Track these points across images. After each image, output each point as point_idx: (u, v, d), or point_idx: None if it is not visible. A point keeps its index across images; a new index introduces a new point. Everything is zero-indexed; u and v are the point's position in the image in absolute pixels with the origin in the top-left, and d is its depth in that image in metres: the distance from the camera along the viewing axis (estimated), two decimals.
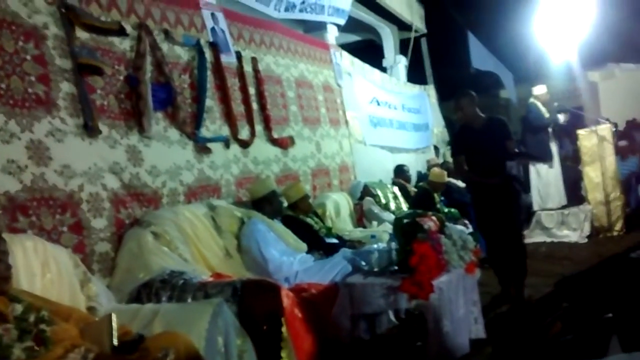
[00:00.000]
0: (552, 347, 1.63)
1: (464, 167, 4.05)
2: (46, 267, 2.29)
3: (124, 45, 3.32)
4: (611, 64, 11.67)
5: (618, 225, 6.23)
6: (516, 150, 4.21)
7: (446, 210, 5.47)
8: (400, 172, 6.44)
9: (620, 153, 7.05)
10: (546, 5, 7.77)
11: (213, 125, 3.98)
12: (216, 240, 3.35)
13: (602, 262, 1.97)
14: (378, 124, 6.78)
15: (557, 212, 6.46)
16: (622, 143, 7.39)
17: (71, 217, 2.76)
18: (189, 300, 2.55)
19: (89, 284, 2.46)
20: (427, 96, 8.95)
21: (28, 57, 2.71)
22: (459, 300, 3.24)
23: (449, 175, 6.37)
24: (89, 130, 2.95)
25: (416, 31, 8.79)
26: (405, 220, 3.23)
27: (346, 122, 5.99)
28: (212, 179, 3.86)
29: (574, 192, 6.73)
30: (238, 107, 4.28)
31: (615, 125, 8.44)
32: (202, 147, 3.81)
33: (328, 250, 3.77)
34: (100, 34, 3.15)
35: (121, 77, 3.27)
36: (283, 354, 2.61)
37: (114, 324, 1.92)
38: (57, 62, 2.87)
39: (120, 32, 3.26)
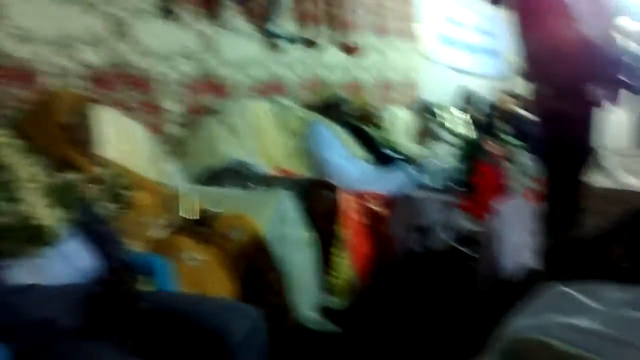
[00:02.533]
0: (610, 271, 1.61)
1: (540, 91, 3.79)
2: (122, 138, 2.36)
3: None
4: None
5: None
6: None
7: (512, 141, 5.33)
8: (467, 96, 6.25)
9: None
10: None
11: (284, 23, 3.90)
12: (280, 137, 3.38)
13: None
14: (450, 43, 6.53)
15: (624, 157, 6.22)
16: None
17: (145, 96, 2.81)
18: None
19: (161, 161, 2.54)
20: (503, 20, 8.49)
21: None
22: (515, 226, 3.22)
23: (520, 106, 6.16)
24: (167, 12, 2.94)
25: None
26: (472, 141, 3.18)
27: (416, 36, 5.79)
28: (279, 77, 3.84)
29: None
30: (309, 6, 4.16)
31: None
32: (271, 43, 3.76)
33: (387, 162, 3.76)
34: None
35: None
36: (337, 253, 2.68)
37: (190, 199, 1.99)
38: None
39: None
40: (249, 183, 2.66)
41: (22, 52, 2.27)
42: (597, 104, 3.63)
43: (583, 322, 1.28)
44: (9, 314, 1.17)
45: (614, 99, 5.40)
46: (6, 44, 2.22)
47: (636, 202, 4.95)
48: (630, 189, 6.12)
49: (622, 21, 6.10)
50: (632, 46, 5.72)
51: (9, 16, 2.21)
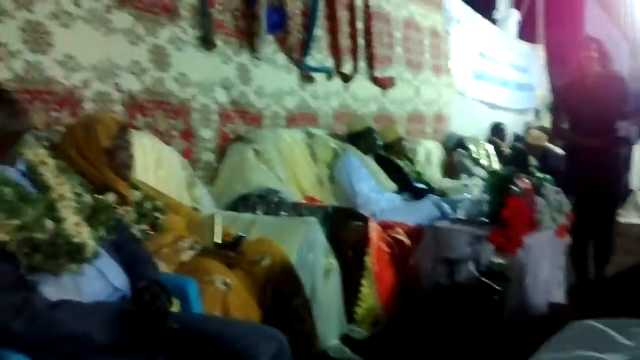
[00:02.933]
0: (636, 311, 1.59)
1: (565, 126, 3.67)
2: (159, 164, 2.45)
3: None
4: None
5: None
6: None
7: (540, 175, 5.29)
8: (497, 130, 6.27)
9: None
10: None
11: (319, 55, 4.01)
12: (311, 166, 3.44)
13: None
14: (481, 78, 6.56)
15: None
16: None
17: (183, 124, 2.92)
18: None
19: (195, 187, 2.62)
20: (535, 56, 8.52)
21: None
22: (544, 262, 3.18)
23: (548, 140, 6.14)
24: (207, 43, 3.06)
25: None
26: (502, 174, 3.18)
27: (449, 70, 5.85)
28: (312, 108, 3.93)
29: None
30: (345, 41, 4.27)
31: None
32: (306, 76, 3.87)
33: (416, 194, 3.78)
34: None
35: None
36: (364, 283, 2.70)
37: (219, 224, 2.05)
38: None
39: None
40: (278, 210, 2.72)
41: (68, 79, 2.40)
42: (628, 142, 3.56)
43: (613, 359, 1.28)
44: (45, 329, 1.22)
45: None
46: (54, 71, 2.34)
47: None
48: None
49: None
50: None
51: (57, 45, 2.34)
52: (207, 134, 3.07)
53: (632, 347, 1.33)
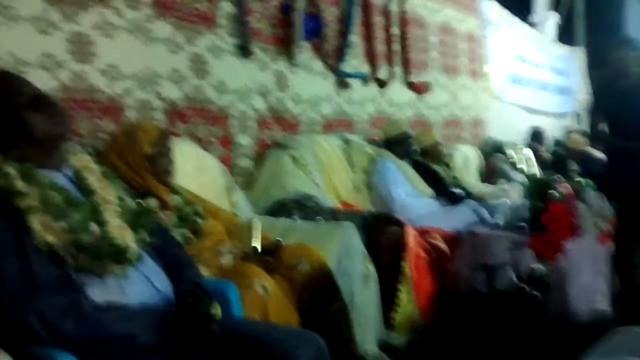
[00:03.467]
0: None
1: (604, 129, 3.58)
2: (199, 170, 2.50)
3: None
4: None
5: None
6: None
7: (581, 179, 5.18)
8: (535, 134, 6.15)
9: None
10: None
11: (354, 61, 4.02)
12: (347, 172, 3.45)
13: None
14: (519, 82, 6.47)
15: None
16: None
17: (221, 130, 2.97)
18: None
19: (233, 192, 2.66)
20: (575, 59, 8.36)
21: None
22: (586, 268, 3.11)
23: (588, 144, 6.01)
24: (244, 51, 3.11)
25: None
26: (542, 179, 3.13)
27: (486, 74, 5.79)
28: (348, 113, 3.94)
29: None
30: (380, 47, 4.27)
31: None
32: (341, 81, 3.89)
33: (453, 199, 3.75)
34: None
35: (276, 4, 3.37)
36: (401, 288, 2.68)
37: (258, 228, 2.07)
38: None
39: None
40: (315, 215, 2.73)
41: (111, 87, 2.47)
42: None
43: None
44: (92, 329, 1.25)
45: None
46: (97, 80, 2.41)
47: None
48: None
49: None
50: None
51: (100, 55, 2.42)
52: (244, 140, 3.11)
53: None
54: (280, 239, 2.10)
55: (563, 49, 8.13)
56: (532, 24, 7.68)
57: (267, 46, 3.30)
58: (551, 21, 8.05)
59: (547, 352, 2.58)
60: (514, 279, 3.51)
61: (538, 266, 3.52)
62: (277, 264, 2.04)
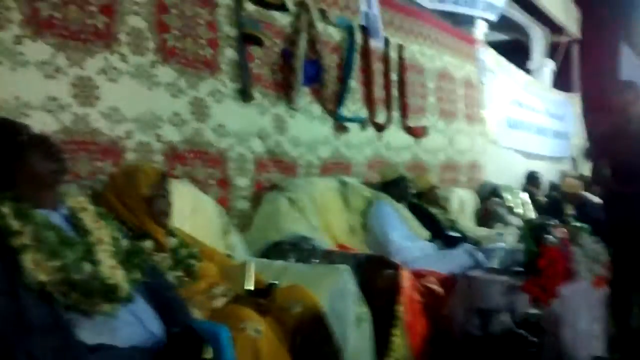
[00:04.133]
0: None
1: (605, 173, 3.57)
2: (195, 212, 2.54)
3: (284, 20, 3.52)
4: None
5: None
6: None
7: (577, 224, 5.20)
8: (532, 179, 6.21)
9: None
10: None
11: (353, 106, 4.11)
12: (343, 214, 3.48)
13: None
14: (515, 126, 6.57)
15: None
16: None
17: (220, 172, 3.02)
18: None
19: (229, 234, 2.69)
20: (571, 104, 8.50)
21: (202, 22, 2.97)
22: (582, 313, 3.11)
23: (584, 189, 6.06)
24: (245, 95, 3.19)
25: (569, 35, 8.35)
26: (537, 223, 3.16)
27: (483, 120, 5.88)
28: (346, 157, 4.01)
29: None
30: (379, 92, 4.37)
31: None
32: (340, 126, 3.96)
33: (449, 243, 3.77)
34: (265, 7, 3.37)
35: (277, 50, 3.47)
36: (396, 332, 2.68)
37: (251, 271, 2.10)
38: (225, 29, 3.11)
39: (283, 7, 3.46)
40: (310, 258, 2.75)
41: (112, 130, 2.53)
42: None
43: None
44: None
45: None
46: (99, 123, 2.47)
47: None
48: None
49: None
50: None
51: (103, 98, 2.49)
52: (242, 182, 3.16)
53: None
54: (275, 282, 2.12)
55: (559, 95, 8.27)
56: (528, 71, 7.83)
57: (267, 91, 3.38)
58: (547, 68, 8.22)
59: None
60: (509, 323, 3.50)
61: (533, 311, 3.52)
62: (271, 306, 2.05)
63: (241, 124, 3.18)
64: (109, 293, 1.40)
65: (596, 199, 6.12)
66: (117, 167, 2.46)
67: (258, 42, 3.30)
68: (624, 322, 3.39)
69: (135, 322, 1.47)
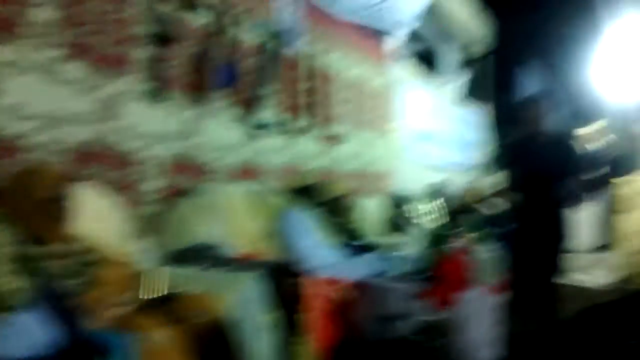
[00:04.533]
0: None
1: (508, 185, 3.80)
2: (100, 216, 2.45)
3: (199, 21, 3.47)
4: None
5: None
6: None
7: (477, 233, 5.48)
8: (438, 189, 6.47)
9: None
10: (610, 47, 7.59)
11: (268, 112, 4.11)
12: (253, 221, 3.47)
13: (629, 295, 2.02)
14: (425, 138, 6.82)
15: (587, 255, 6.37)
16: None
17: (125, 175, 2.93)
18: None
19: (135, 240, 2.62)
20: (482, 115, 8.92)
21: (113, 19, 2.87)
22: (481, 318, 3.29)
23: (486, 199, 6.39)
24: (156, 96, 3.11)
25: (482, 48, 8.75)
26: (438, 233, 3.31)
27: (394, 130, 6.07)
28: (258, 163, 4.01)
29: (607, 238, 6.63)
30: (293, 99, 4.41)
31: None
32: (253, 131, 3.95)
33: (358, 250, 3.86)
34: (178, 8, 3.31)
35: (192, 52, 3.42)
36: (302, 340, 2.72)
37: (156, 278, 2.06)
38: (138, 27, 3.02)
39: (196, 8, 3.42)
40: (217, 265, 2.73)
41: (12, 128, 2.39)
42: (566, 202, 3.69)
43: None
44: None
45: (580, 198, 5.43)
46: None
47: (592, 298, 5.03)
48: (588, 285, 6.24)
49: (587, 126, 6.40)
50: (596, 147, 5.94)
51: (4, 93, 2.34)
52: (151, 186, 3.08)
53: None
54: (180, 290, 2.09)
55: (470, 106, 8.66)
56: (440, 83, 8.14)
57: (180, 93, 3.32)
58: (459, 80, 8.55)
59: None
60: (410, 328, 3.63)
61: (433, 317, 3.67)
62: (174, 314, 2.02)
63: (151, 125, 3.10)
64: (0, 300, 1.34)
65: (499, 209, 6.49)
66: (16, 167, 2.33)
67: (171, 43, 3.23)
68: (520, 327, 3.51)
69: (29, 331, 1.41)
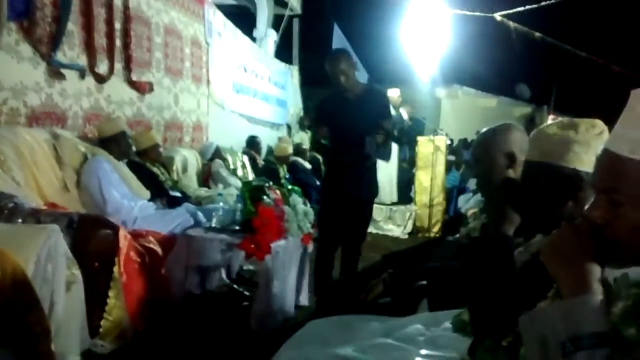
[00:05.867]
0: (370, 307, 1.84)
1: (321, 140, 3.71)
2: None
3: None
4: (456, 85, 12.95)
5: (436, 228, 6.90)
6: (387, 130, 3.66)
7: (290, 187, 5.66)
8: (252, 143, 6.54)
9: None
10: (413, 17, 8.17)
11: (70, 52, 3.72)
12: (55, 170, 3.16)
13: (420, 244, 2.25)
14: (240, 91, 6.79)
15: (387, 208, 6.97)
16: (450, 157, 8.15)
17: None
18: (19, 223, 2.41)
19: None
20: (290, 75, 9.13)
21: None
22: (291, 267, 3.42)
23: (296, 155, 6.65)
24: None
25: (291, 10, 8.90)
26: (253, 184, 3.33)
27: (208, 81, 5.93)
28: (60, 107, 3.63)
29: (405, 192, 7.32)
30: (100, 40, 4.04)
31: (451, 140, 9.36)
32: (55, 72, 3.54)
33: (171, 202, 3.75)
34: None
35: None
36: (111, 294, 2.58)
37: None
38: None
39: None
40: (13, 217, 2.45)
41: None
42: (370, 157, 3.83)
43: (345, 351, 1.43)
44: None
45: (386, 153, 5.81)
46: None
47: (394, 247, 5.53)
48: (390, 234, 6.89)
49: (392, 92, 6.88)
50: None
51: None
52: None
53: (362, 340, 1.51)
54: None
55: (281, 65, 8.80)
56: (254, 39, 8.13)
57: None
58: (271, 38, 8.65)
59: (250, 349, 2.75)
60: (226, 279, 3.66)
61: (248, 267, 3.74)
62: None
63: None
64: None
65: (306, 164, 6.77)
66: None
67: None
68: (327, 274, 3.66)
69: None
